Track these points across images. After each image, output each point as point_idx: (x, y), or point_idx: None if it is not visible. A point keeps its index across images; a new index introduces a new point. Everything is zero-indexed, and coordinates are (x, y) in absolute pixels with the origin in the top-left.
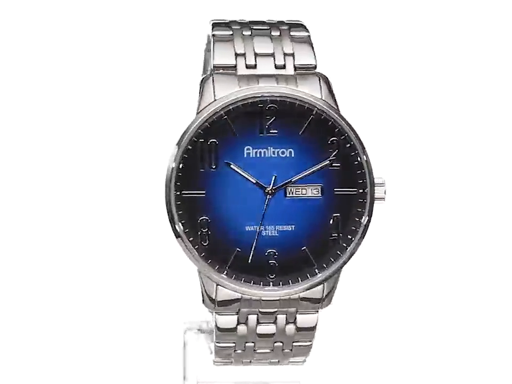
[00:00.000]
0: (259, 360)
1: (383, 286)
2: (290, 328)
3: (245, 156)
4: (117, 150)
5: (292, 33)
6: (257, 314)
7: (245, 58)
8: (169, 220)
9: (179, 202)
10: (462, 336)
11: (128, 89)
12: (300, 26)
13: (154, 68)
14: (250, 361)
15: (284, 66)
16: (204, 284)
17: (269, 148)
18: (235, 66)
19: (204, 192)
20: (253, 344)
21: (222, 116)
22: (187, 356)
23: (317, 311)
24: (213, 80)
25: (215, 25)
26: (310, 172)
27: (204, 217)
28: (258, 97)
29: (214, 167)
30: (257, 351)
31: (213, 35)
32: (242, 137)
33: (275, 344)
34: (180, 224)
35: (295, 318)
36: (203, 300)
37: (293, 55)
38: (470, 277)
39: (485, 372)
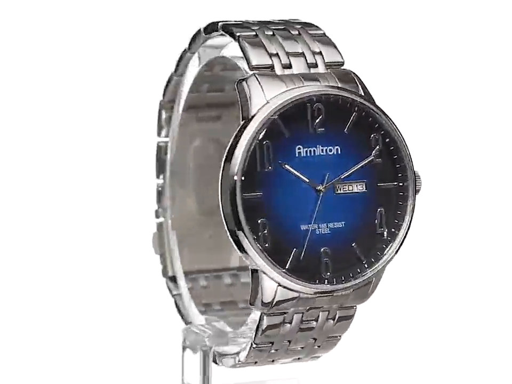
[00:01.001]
0: (284, 358)
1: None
2: (329, 323)
3: (297, 155)
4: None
5: (310, 32)
6: (303, 312)
7: (279, 58)
8: (235, 223)
9: (243, 205)
10: (465, 337)
11: None
12: (312, 24)
13: None
14: (273, 361)
15: (315, 65)
16: (263, 285)
17: (317, 146)
18: (273, 66)
19: (261, 193)
20: (288, 342)
21: (273, 117)
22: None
23: (356, 306)
24: (258, 81)
25: (231, 25)
26: (357, 168)
27: (263, 218)
28: (307, 96)
29: (268, 168)
30: (290, 348)
31: (239, 36)
32: (292, 137)
33: (308, 341)
34: (247, 227)
35: (336, 314)
36: (252, 302)
37: (320, 53)
38: (473, 276)
39: (486, 375)
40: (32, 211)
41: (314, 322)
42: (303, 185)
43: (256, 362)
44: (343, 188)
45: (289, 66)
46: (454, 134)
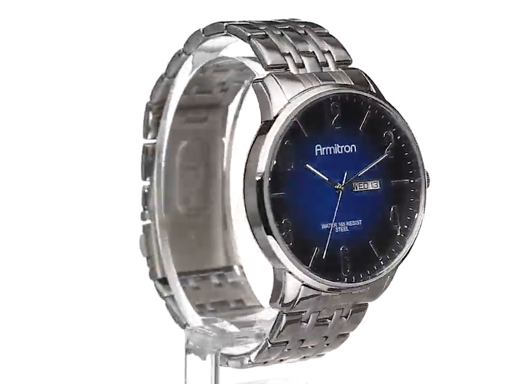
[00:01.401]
0: (293, 357)
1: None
2: (342, 321)
3: (316, 154)
4: None
5: (315, 31)
6: (320, 311)
7: (292, 58)
8: (263, 223)
9: (270, 204)
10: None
11: None
12: (315, 24)
13: None
14: (281, 360)
15: (326, 64)
16: (286, 285)
17: (335, 145)
18: (287, 66)
19: (284, 193)
20: (301, 341)
21: (296, 118)
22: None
23: (368, 303)
24: (277, 81)
25: (239, 25)
26: (372, 165)
27: (286, 218)
28: (325, 96)
29: (291, 168)
30: (301, 347)
31: (251, 36)
32: (312, 136)
33: (320, 339)
34: (275, 226)
35: (349, 312)
36: (273, 301)
37: (329, 52)
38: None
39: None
40: (21, 213)
41: (329, 321)
42: (323, 185)
43: (265, 363)
44: (359, 186)
45: (302, 65)
46: (454, 133)
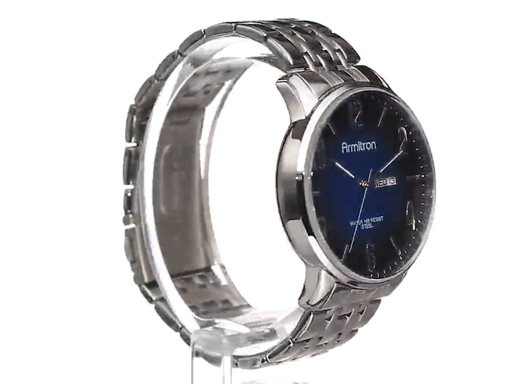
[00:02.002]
0: (306, 355)
1: None
2: (358, 317)
3: (342, 152)
4: None
5: (321, 30)
6: (341, 308)
7: (310, 57)
8: (303, 221)
9: (311, 204)
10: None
11: None
12: (318, 23)
13: None
14: (294, 359)
15: (340, 62)
16: (320, 283)
17: (358, 142)
18: (307, 65)
19: (318, 192)
20: (319, 339)
21: (329, 116)
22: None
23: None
24: (303, 81)
25: (250, 25)
26: (391, 162)
27: (321, 216)
28: (351, 94)
29: (323, 166)
30: (317, 344)
31: (267, 35)
32: (339, 134)
33: (334, 336)
34: (316, 224)
35: (365, 308)
36: (304, 299)
37: (339, 50)
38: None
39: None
40: (5, 218)
41: (347, 317)
42: (350, 182)
43: (279, 362)
44: (379, 182)
45: (319, 64)
46: (453, 132)
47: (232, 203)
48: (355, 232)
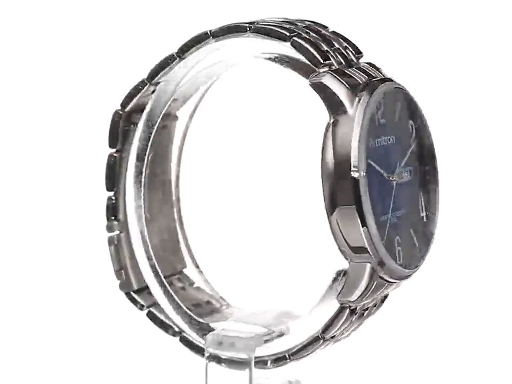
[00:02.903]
0: (321, 350)
1: None
2: (372, 311)
3: (371, 147)
4: None
5: (325, 29)
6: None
7: (332, 55)
8: (360, 220)
9: (367, 199)
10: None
11: None
12: (317, 22)
13: None
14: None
15: (352, 59)
16: (364, 277)
17: (382, 137)
18: (332, 63)
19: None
20: (342, 334)
21: (373, 112)
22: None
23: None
24: (338, 78)
25: (266, 25)
26: (408, 155)
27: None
28: (380, 90)
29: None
30: (336, 339)
31: (290, 35)
32: (368, 130)
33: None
34: (371, 219)
35: (378, 301)
36: (346, 294)
37: (347, 47)
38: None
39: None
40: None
41: (365, 311)
42: (380, 177)
43: (298, 359)
44: (402, 176)
45: (340, 62)
46: (453, 132)
47: (206, 206)
48: (387, 226)
